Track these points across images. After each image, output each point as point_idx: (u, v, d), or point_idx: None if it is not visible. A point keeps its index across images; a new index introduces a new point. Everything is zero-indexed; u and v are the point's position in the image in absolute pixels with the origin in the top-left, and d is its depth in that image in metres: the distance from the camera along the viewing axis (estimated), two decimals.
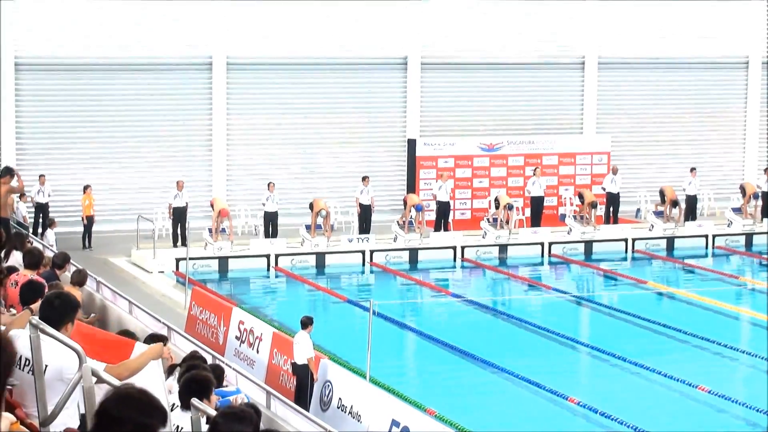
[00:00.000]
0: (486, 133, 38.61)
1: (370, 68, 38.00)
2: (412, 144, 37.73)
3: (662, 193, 36.30)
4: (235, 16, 36.38)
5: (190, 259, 27.80)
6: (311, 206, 32.93)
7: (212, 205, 32.63)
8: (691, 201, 37.85)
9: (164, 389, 11.41)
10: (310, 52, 37.08)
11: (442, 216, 35.51)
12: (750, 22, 41.62)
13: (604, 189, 37.44)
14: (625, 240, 35.07)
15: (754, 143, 42.18)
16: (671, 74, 41.19)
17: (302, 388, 18.23)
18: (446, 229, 35.16)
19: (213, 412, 7.54)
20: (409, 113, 38.27)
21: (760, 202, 36.98)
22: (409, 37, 38.05)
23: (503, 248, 34.02)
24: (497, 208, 34.73)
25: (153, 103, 35.91)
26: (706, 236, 35.89)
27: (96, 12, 34.94)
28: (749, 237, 36.25)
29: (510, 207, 34.73)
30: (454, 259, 33.48)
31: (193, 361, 12.06)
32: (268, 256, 31.77)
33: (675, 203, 35.78)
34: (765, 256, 34.19)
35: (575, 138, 39.68)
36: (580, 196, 36.04)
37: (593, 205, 35.29)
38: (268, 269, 31.61)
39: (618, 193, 37.20)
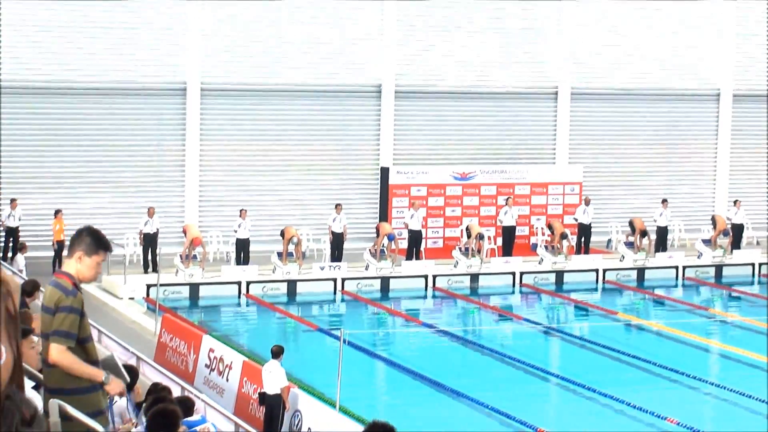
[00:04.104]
0: (459, 162, 38.71)
1: (343, 96, 38.06)
2: (385, 172, 37.77)
3: (632, 224, 36.45)
4: (210, 42, 36.40)
5: (161, 285, 27.70)
6: (282, 234, 32.90)
7: (185, 232, 32.52)
8: (662, 232, 37.98)
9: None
10: (284, 79, 37.13)
11: (414, 245, 35.53)
12: (721, 55, 41.97)
13: (576, 219, 37.55)
14: (596, 270, 35.15)
15: (724, 175, 42.45)
16: (643, 105, 41.44)
17: (273, 417, 18.16)
18: (418, 258, 35.19)
19: None
20: (383, 141, 38.33)
21: (730, 236, 37.25)
22: (383, 65, 38.16)
23: (475, 277, 34.06)
24: (469, 237, 34.78)
25: (126, 128, 35.81)
26: (677, 267, 36.03)
27: (71, 36, 34.89)
28: (719, 268, 36.41)
29: (481, 237, 34.79)
30: (426, 288, 33.49)
31: (158, 393, 12.03)
32: (239, 283, 31.69)
33: (644, 233, 35.92)
34: (734, 288, 34.38)
35: (547, 168, 39.81)
36: (550, 227, 36.14)
37: (563, 236, 35.37)
38: (239, 296, 31.53)
39: (590, 223, 37.31)
